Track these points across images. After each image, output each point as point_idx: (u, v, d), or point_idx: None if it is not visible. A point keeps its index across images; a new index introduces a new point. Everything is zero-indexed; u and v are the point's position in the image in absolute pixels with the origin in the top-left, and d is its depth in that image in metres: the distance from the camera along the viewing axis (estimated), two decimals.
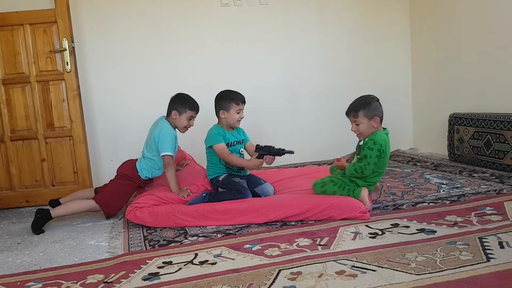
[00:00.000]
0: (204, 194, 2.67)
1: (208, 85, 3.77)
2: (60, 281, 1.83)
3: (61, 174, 3.33)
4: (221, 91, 2.81)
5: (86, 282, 1.80)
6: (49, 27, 3.23)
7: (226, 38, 3.83)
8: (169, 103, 2.83)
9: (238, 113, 2.73)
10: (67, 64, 3.26)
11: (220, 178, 2.72)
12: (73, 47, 3.30)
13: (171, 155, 2.71)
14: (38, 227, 2.57)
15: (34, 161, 3.28)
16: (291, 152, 2.61)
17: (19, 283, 1.84)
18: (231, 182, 2.68)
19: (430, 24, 3.98)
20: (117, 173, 2.88)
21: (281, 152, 2.62)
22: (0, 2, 3.22)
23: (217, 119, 2.81)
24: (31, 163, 3.27)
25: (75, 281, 1.82)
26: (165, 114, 2.85)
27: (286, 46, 3.95)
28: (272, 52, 3.93)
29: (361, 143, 2.50)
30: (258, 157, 2.64)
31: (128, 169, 2.84)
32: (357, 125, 2.43)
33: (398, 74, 4.21)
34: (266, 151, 2.63)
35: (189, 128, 2.83)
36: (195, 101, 2.82)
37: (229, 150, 2.72)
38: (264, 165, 2.68)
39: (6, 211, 3.15)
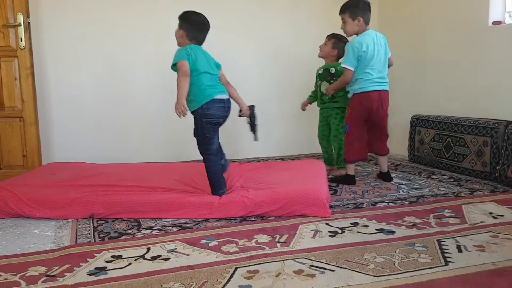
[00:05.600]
0: None
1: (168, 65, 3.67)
2: None
3: (9, 157, 3.14)
4: None
5: (27, 275, 1.66)
6: (3, 0, 3.01)
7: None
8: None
9: None
10: (21, 41, 3.07)
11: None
12: (29, 23, 3.10)
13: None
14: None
15: None
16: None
17: None
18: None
19: (395, 27, 4.00)
20: None
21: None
22: None
23: None
24: None
25: (14, 273, 1.68)
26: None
27: (256, 38, 3.87)
28: (240, 45, 3.84)
29: (321, 71, 3.22)
30: None
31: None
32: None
33: None
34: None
35: None
36: None
37: None
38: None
39: None
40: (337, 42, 3.18)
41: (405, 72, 3.91)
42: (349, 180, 2.96)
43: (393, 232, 2.01)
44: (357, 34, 2.86)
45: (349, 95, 2.91)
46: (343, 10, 2.86)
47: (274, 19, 3.92)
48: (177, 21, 2.51)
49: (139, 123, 3.65)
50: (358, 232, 2.03)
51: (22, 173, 3.01)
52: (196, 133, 2.47)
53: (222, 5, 3.75)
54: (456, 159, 3.20)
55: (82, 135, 3.52)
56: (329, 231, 2.05)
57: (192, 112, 2.45)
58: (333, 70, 3.17)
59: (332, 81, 3.14)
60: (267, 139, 3.97)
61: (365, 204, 2.49)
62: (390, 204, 2.49)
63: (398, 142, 3.96)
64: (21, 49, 3.08)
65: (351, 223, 2.15)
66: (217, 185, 2.47)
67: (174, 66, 2.42)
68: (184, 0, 3.60)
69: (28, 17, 3.09)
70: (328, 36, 3.24)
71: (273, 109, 3.99)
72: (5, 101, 3.11)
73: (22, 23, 3.05)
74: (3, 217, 2.38)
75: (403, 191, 2.76)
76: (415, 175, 3.18)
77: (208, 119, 2.43)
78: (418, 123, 3.58)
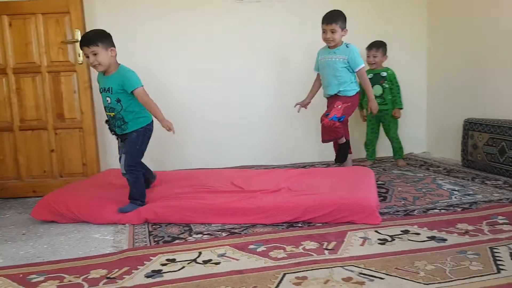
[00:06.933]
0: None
1: (219, 79, 3.76)
2: (62, 274, 1.82)
3: (69, 165, 3.33)
4: None
5: (89, 277, 1.78)
6: (62, 17, 3.22)
7: (239, 34, 3.78)
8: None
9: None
10: (79, 56, 3.25)
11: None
12: None
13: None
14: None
15: (42, 152, 3.27)
16: None
17: (21, 275, 1.83)
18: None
19: (447, 26, 3.90)
20: None
21: None
22: None
23: None
24: (40, 153, 3.27)
25: (77, 275, 1.80)
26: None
27: (301, 44, 3.89)
28: (286, 50, 3.87)
29: (371, 76, 3.54)
30: None
31: None
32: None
33: (413, 76, 4.13)
34: None
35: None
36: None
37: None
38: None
39: (12, 201, 3.16)
40: (385, 49, 3.64)
41: (458, 75, 3.81)
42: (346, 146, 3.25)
43: (445, 240, 1.98)
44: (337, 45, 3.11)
45: (351, 93, 3.12)
46: (335, 19, 3.01)
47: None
48: (102, 44, 2.50)
49: (189, 130, 3.76)
50: (408, 239, 2.02)
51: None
52: (133, 148, 2.55)
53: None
54: (511, 164, 3.08)
55: None
56: (379, 239, 2.04)
57: (135, 130, 2.56)
58: (384, 73, 3.61)
59: (384, 84, 3.60)
60: (312, 144, 3.98)
61: (416, 211, 2.46)
62: (442, 211, 2.44)
63: (450, 147, 3.86)
64: (79, 64, 3.27)
65: (401, 231, 2.13)
66: (143, 195, 2.59)
67: (133, 89, 2.51)
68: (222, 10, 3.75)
69: None
70: (374, 46, 3.63)
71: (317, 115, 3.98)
72: (66, 113, 3.30)
73: (79, 39, 3.23)
74: (65, 222, 2.54)
75: (455, 197, 2.69)
76: (468, 181, 3.08)
77: (149, 135, 2.63)
78: (471, 127, 3.47)
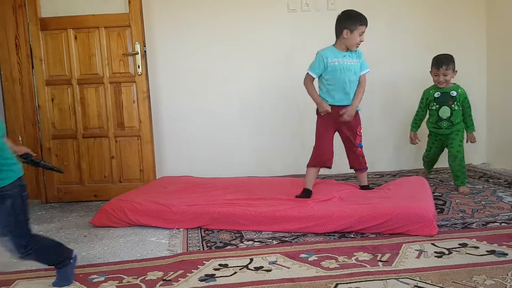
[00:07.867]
0: None
1: (272, 88, 3.79)
2: (121, 275, 1.90)
3: (128, 171, 3.47)
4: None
5: (146, 278, 1.85)
6: (123, 30, 3.37)
7: (292, 44, 3.81)
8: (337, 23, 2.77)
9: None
10: (139, 67, 3.39)
11: None
12: (145, 51, 3.43)
13: None
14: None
15: (103, 158, 3.43)
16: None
17: (81, 275, 1.92)
18: None
19: (507, 32, 3.73)
20: None
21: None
22: (77, 5, 3.37)
23: None
24: (101, 159, 3.43)
25: (135, 277, 1.88)
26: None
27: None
28: None
29: (437, 95, 3.18)
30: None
31: None
32: (445, 76, 3.05)
33: (472, 84, 3.96)
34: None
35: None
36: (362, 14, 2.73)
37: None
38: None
39: (75, 204, 3.33)
40: (454, 63, 3.12)
41: None
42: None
43: (505, 254, 1.90)
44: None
45: (360, 108, 2.91)
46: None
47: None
48: None
49: (242, 141, 3.83)
50: (467, 253, 1.95)
51: (139, 186, 3.31)
52: (16, 223, 1.69)
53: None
54: None
55: (190, 151, 3.79)
56: (435, 252, 1.99)
57: (6, 194, 1.66)
58: (454, 93, 3.12)
59: (453, 105, 3.12)
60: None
61: (474, 224, 2.36)
62: (503, 224, 2.33)
63: None
64: (139, 75, 3.41)
65: (459, 244, 2.06)
66: (61, 250, 1.86)
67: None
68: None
69: (144, 46, 3.42)
70: (444, 64, 3.07)
71: (377, 127, 3.92)
72: (125, 121, 3.45)
73: (139, 51, 3.38)
74: (123, 226, 2.65)
75: None
76: None
77: (27, 194, 1.76)
78: None
